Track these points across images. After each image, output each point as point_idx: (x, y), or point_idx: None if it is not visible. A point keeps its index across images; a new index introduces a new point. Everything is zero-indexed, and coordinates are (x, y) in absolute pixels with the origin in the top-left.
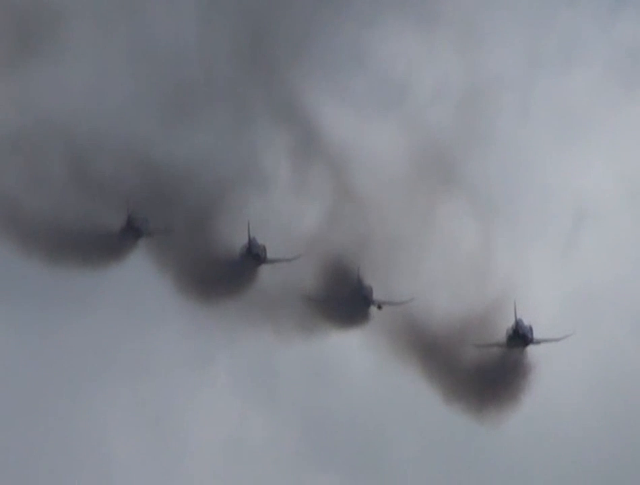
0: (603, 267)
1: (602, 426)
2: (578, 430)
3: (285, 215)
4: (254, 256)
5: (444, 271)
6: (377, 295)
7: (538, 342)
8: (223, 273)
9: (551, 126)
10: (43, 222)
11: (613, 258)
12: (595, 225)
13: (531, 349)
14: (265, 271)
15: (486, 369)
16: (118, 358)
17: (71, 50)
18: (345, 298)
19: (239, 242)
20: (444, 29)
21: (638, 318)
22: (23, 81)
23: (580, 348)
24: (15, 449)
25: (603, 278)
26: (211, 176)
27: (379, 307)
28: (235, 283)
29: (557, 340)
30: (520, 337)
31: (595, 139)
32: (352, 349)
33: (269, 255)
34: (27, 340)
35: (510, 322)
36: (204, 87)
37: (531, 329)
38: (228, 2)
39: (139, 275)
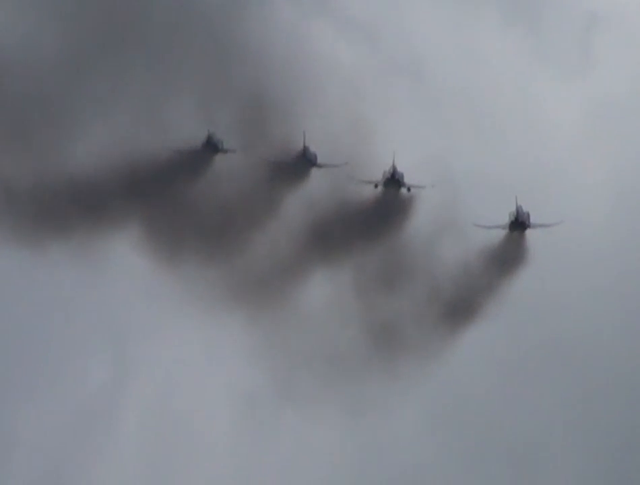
0: (620, 74)
1: None
2: None
3: None
4: None
5: None
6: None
7: (535, 227)
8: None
9: None
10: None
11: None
12: (609, 30)
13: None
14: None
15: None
16: None
17: None
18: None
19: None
20: None
21: None
22: None
23: (601, 157)
24: None
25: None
26: None
27: (409, 190)
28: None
29: (550, 226)
30: (520, 224)
31: None
32: None
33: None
34: None
35: (512, 209)
36: None
37: (528, 215)
38: None
39: None
